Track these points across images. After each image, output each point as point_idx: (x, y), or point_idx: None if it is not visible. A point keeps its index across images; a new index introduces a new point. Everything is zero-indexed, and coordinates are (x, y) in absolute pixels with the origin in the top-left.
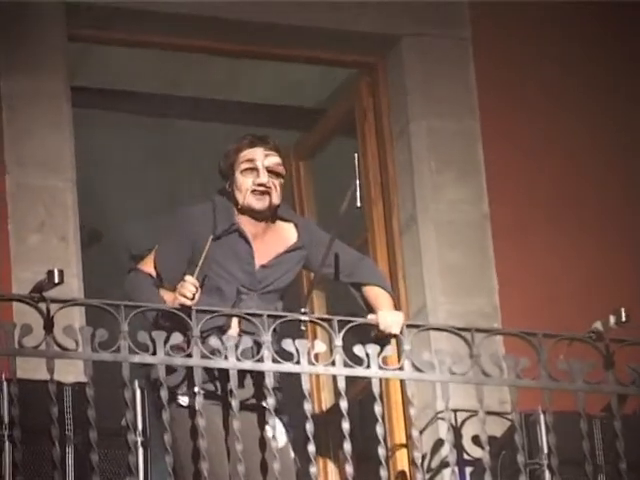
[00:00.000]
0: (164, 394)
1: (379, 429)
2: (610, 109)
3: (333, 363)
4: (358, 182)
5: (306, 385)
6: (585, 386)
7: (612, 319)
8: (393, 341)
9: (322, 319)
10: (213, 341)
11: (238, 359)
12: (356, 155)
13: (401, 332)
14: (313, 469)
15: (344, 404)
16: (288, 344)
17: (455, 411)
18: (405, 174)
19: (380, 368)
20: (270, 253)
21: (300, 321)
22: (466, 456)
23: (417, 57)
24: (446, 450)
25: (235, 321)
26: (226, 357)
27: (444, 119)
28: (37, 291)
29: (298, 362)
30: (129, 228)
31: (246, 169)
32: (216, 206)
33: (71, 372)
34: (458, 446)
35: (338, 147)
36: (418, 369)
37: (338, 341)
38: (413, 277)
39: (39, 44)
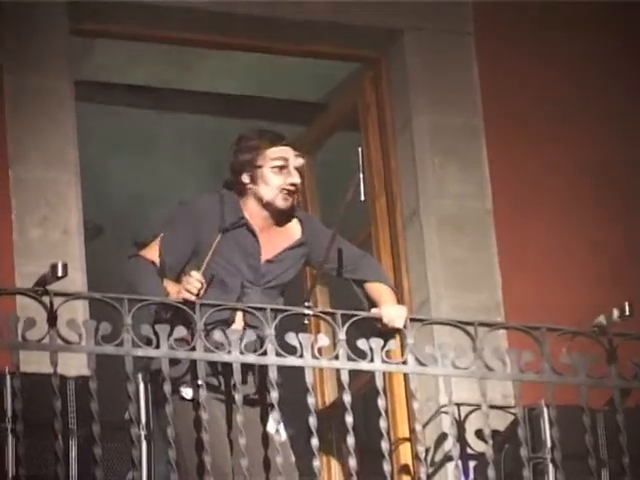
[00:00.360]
0: (167, 388)
1: (382, 423)
2: (613, 102)
3: (336, 357)
4: (361, 176)
5: (309, 379)
6: (588, 380)
7: (615, 313)
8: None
9: (325, 313)
10: (217, 335)
11: (241, 353)
12: (359, 149)
13: (404, 326)
14: (316, 463)
15: (347, 398)
16: (291, 338)
17: (458, 405)
18: (408, 168)
19: (383, 362)
20: (275, 248)
21: (304, 315)
22: (469, 450)
23: (420, 51)
24: (449, 444)
25: (240, 315)
26: (229, 351)
27: (447, 113)
28: (40, 284)
29: (301, 356)
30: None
31: (277, 167)
32: (224, 198)
33: (74, 365)
34: (461, 440)
35: (341, 141)
36: (421, 363)
37: (342, 335)
38: (416, 271)
39: (42, 38)
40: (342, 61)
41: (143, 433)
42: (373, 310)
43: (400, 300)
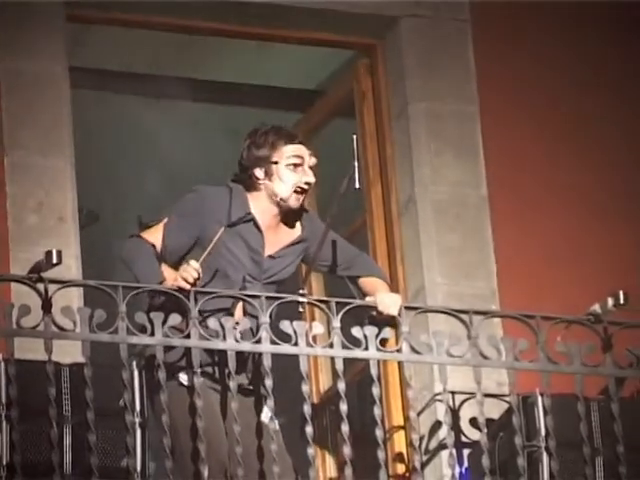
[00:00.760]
0: (162, 375)
1: (377, 411)
2: (613, 88)
3: (331, 345)
4: (357, 164)
5: (304, 367)
6: (583, 369)
7: (610, 301)
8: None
9: (320, 301)
10: (212, 323)
11: (236, 340)
12: (355, 136)
13: (399, 314)
14: (310, 450)
15: (342, 386)
16: (286, 326)
17: (453, 393)
18: (404, 156)
19: (378, 350)
20: (278, 244)
21: (298, 303)
22: (464, 438)
23: (416, 38)
24: (444, 432)
25: (240, 305)
26: (224, 338)
27: (443, 100)
28: (35, 272)
29: (296, 344)
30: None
31: (292, 164)
32: (232, 192)
33: (69, 353)
34: (456, 428)
35: (337, 129)
36: (416, 351)
37: (336, 323)
38: (411, 259)
39: (37, 25)
40: (338, 48)
41: (137, 420)
42: (368, 298)
43: (395, 288)
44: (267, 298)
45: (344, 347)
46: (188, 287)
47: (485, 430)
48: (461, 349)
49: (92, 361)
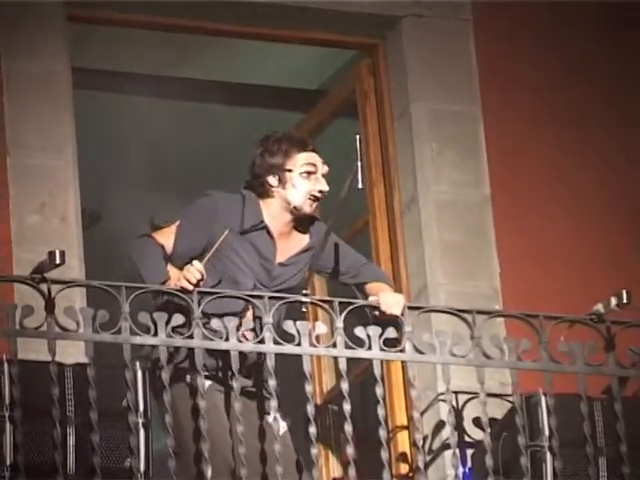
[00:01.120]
0: (165, 376)
1: (380, 411)
2: (612, 89)
3: (334, 345)
4: (359, 164)
5: (307, 367)
6: (586, 368)
7: (613, 301)
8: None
9: (323, 301)
10: (215, 323)
11: (239, 340)
12: (358, 136)
13: (402, 314)
14: (314, 450)
15: (345, 386)
16: (289, 326)
17: (456, 393)
18: (406, 155)
19: (381, 350)
20: (288, 252)
21: (301, 303)
22: (467, 438)
23: (418, 38)
24: (447, 432)
25: (251, 311)
26: (227, 338)
27: (445, 100)
28: (38, 272)
29: (299, 344)
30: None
31: (306, 172)
32: (245, 200)
33: (72, 353)
34: (459, 428)
35: (339, 129)
36: (419, 351)
37: (339, 323)
38: (414, 258)
39: (39, 25)
40: (340, 48)
41: (141, 420)
42: (371, 298)
43: (397, 288)
44: (270, 298)
45: (347, 347)
46: (191, 288)
47: (488, 430)
48: (464, 349)
49: (95, 361)
